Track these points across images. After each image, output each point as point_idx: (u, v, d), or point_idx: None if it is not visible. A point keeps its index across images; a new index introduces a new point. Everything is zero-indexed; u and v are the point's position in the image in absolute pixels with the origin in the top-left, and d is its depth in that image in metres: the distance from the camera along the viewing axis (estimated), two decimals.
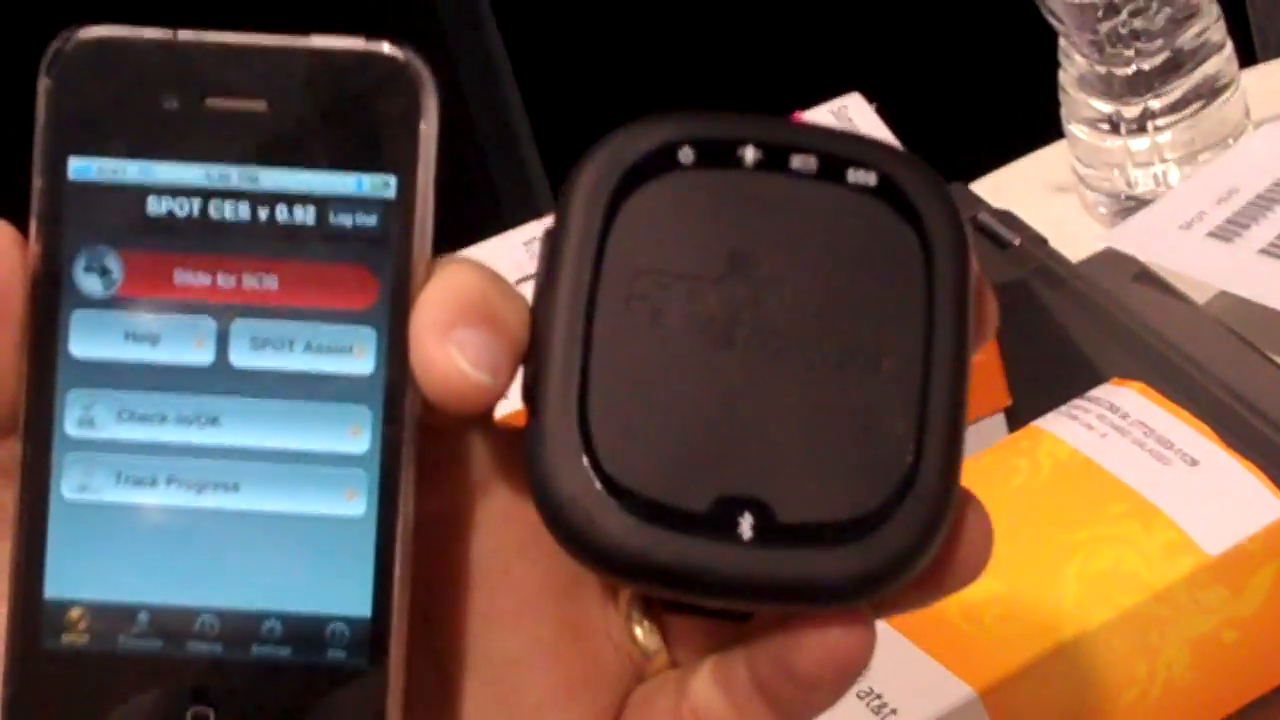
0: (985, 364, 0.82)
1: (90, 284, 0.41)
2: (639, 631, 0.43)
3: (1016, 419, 0.81)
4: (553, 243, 0.41)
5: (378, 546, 0.40)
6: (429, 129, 0.41)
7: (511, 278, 0.79)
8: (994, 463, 0.70)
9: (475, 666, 0.43)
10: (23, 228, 0.41)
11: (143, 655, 0.40)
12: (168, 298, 0.41)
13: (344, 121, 0.41)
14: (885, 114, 0.85)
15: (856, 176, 0.41)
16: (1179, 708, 0.66)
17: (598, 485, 0.39)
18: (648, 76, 1.58)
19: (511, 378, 0.40)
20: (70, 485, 0.40)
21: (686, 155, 0.41)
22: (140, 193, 0.40)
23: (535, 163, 1.55)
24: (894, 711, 0.63)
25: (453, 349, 0.39)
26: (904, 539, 0.40)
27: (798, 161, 0.41)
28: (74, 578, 0.40)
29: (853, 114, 0.84)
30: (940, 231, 0.41)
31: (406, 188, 0.41)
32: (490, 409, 0.41)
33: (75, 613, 0.40)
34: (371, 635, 0.40)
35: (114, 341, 0.41)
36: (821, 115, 0.84)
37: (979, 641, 0.64)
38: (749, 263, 0.40)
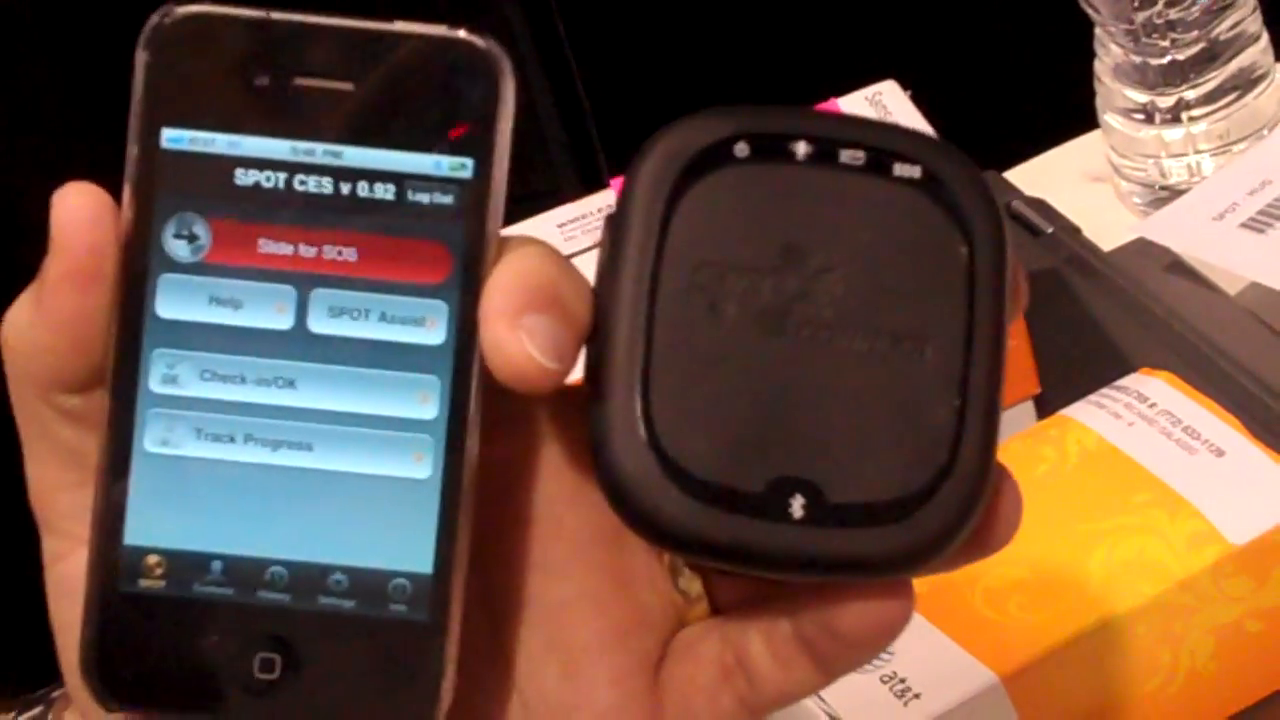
0: (1015, 351, 0.82)
1: (178, 249, 0.42)
2: (681, 580, 0.45)
3: (1045, 406, 0.81)
4: (616, 231, 0.43)
5: (441, 507, 0.42)
6: (506, 113, 0.42)
7: None
8: (1021, 450, 0.71)
9: (527, 611, 0.45)
10: (116, 194, 0.42)
11: (215, 602, 0.42)
12: (251, 265, 0.42)
13: (425, 104, 0.42)
14: (920, 101, 0.85)
15: (902, 170, 0.43)
16: (1202, 697, 0.67)
17: (659, 467, 0.41)
18: (686, 64, 1.58)
19: (575, 361, 0.42)
20: (152, 439, 0.42)
21: (742, 149, 0.43)
22: (229, 164, 0.42)
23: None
24: (917, 696, 0.63)
25: (523, 335, 0.41)
26: (945, 518, 0.42)
27: (846, 155, 0.43)
28: (153, 526, 0.42)
29: (888, 101, 0.84)
30: (980, 223, 0.42)
31: (483, 169, 0.42)
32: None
33: (153, 559, 0.42)
34: (432, 591, 0.42)
35: (199, 304, 0.42)
36: (857, 102, 0.84)
37: (1003, 627, 0.65)
38: (801, 254, 0.42)
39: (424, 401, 0.42)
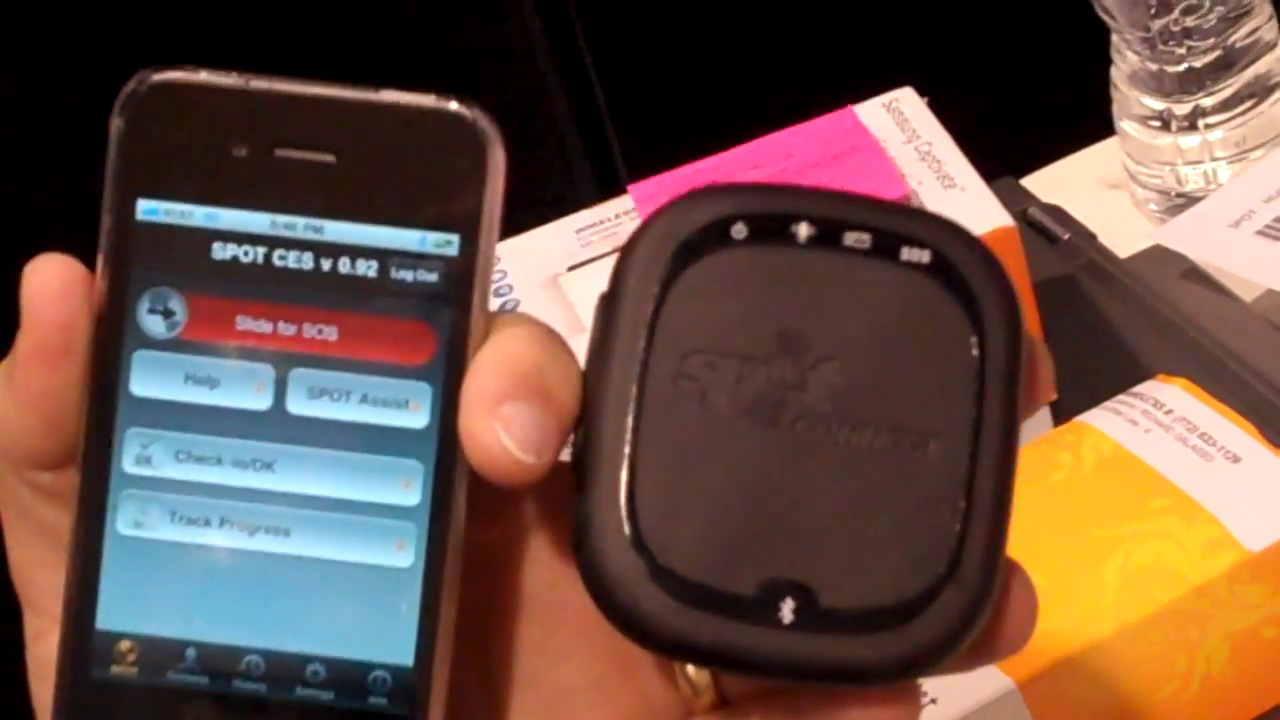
0: None
1: (153, 324, 0.41)
2: (689, 669, 0.44)
3: (1062, 413, 0.81)
4: (607, 313, 0.41)
5: (424, 597, 0.41)
6: (494, 188, 0.41)
7: (563, 265, 0.81)
8: (1038, 457, 0.71)
9: (528, 697, 0.43)
10: (91, 265, 0.41)
11: (189, 690, 0.41)
12: (229, 342, 0.41)
13: (410, 177, 0.41)
14: (937, 108, 0.85)
15: (910, 254, 0.41)
16: (1217, 703, 0.67)
17: (643, 567, 0.40)
18: (704, 71, 1.58)
19: (558, 453, 0.40)
20: (125, 521, 0.41)
21: (739, 231, 0.41)
22: (206, 237, 0.41)
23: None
24: (934, 701, 0.64)
25: (499, 426, 0.39)
26: (945, 626, 0.40)
27: (851, 238, 0.41)
28: (126, 611, 0.41)
29: (904, 108, 0.85)
30: (992, 312, 0.41)
31: (469, 246, 0.41)
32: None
33: (125, 645, 0.41)
34: (413, 683, 0.41)
35: (174, 382, 0.41)
36: (873, 109, 0.84)
37: None
38: (798, 342, 0.41)
39: (406, 487, 0.41)
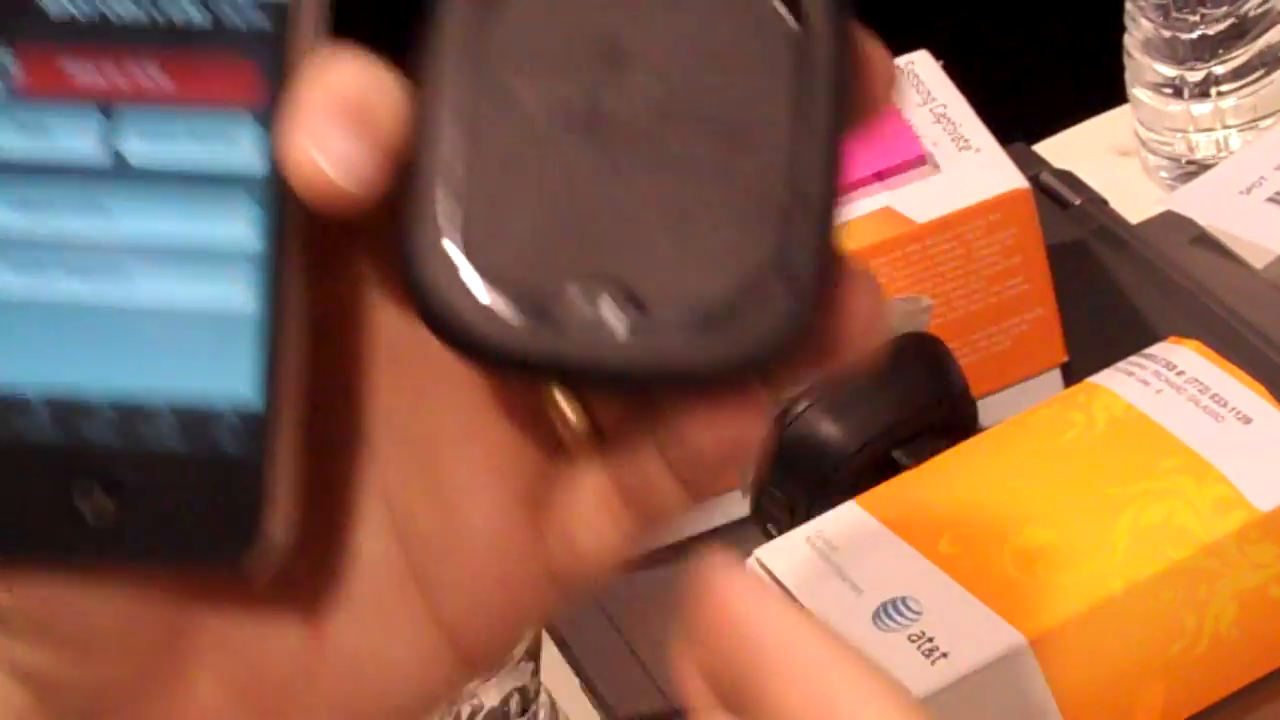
0: (1043, 320, 0.83)
1: None
2: (565, 410, 0.42)
3: (1073, 375, 0.82)
4: (425, 29, 0.40)
5: (268, 339, 0.40)
6: None
7: None
8: (1049, 417, 0.71)
9: (400, 444, 0.43)
10: None
11: (35, 442, 0.40)
12: (59, 91, 0.40)
13: None
14: (952, 73, 0.85)
15: None
16: (1226, 661, 0.67)
17: (463, 276, 0.39)
18: None
19: (383, 179, 0.39)
20: None
21: None
22: None
23: None
24: (945, 655, 0.64)
25: (314, 152, 0.39)
26: (774, 322, 0.38)
27: None
28: None
29: (920, 72, 0.85)
30: (814, 7, 0.39)
31: None
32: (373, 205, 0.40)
33: None
34: (262, 429, 0.40)
35: (6, 132, 0.40)
36: None
37: (1031, 589, 0.65)
38: (616, 45, 0.40)
39: (243, 228, 0.40)
